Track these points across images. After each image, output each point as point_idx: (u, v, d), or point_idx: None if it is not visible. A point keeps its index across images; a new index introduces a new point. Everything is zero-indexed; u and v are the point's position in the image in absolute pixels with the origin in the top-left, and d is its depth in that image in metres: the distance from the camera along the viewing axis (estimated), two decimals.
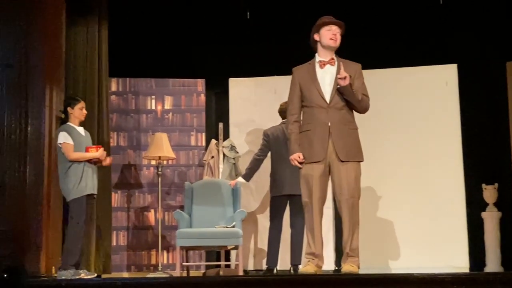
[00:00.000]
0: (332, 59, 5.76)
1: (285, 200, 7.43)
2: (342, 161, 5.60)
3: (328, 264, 8.04)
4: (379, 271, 7.36)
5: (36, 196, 6.74)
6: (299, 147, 5.71)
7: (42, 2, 6.98)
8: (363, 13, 8.57)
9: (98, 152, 6.67)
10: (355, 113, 5.85)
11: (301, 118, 5.82)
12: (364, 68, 8.31)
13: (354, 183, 5.58)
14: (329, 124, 5.61)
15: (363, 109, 5.84)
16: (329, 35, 5.76)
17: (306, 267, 5.63)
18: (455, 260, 7.83)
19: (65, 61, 7.52)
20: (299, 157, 5.68)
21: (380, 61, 8.47)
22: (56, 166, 6.78)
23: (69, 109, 6.74)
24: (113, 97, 8.83)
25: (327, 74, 5.74)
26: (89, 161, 6.64)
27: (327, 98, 5.66)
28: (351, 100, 5.67)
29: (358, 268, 5.60)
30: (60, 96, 7.18)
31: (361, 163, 5.75)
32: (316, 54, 5.86)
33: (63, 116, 6.76)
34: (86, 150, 6.64)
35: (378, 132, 8.23)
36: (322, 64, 5.77)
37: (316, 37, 5.84)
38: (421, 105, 8.27)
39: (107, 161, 6.90)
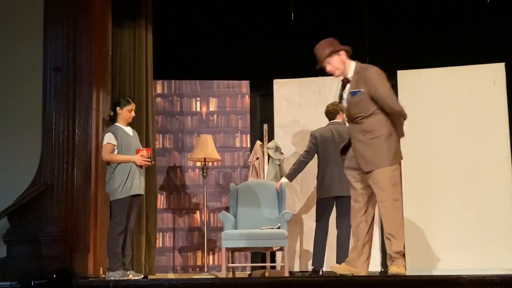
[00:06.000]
0: (345, 79, 5.87)
1: (332, 201, 7.40)
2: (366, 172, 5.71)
3: (375, 266, 8.00)
4: (427, 272, 7.28)
5: (83, 197, 6.82)
6: None
7: (88, 6, 7.06)
8: (409, 13, 8.52)
9: (131, 156, 6.65)
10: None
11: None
12: (410, 67, 8.31)
13: (385, 191, 5.60)
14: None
15: (394, 114, 5.73)
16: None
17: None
18: (505, 261, 7.69)
19: (112, 63, 7.60)
20: None
21: (427, 61, 8.40)
22: (103, 168, 6.85)
23: (118, 108, 6.77)
24: (158, 99, 8.90)
25: (345, 93, 5.87)
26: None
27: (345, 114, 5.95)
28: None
29: (405, 269, 5.54)
30: (107, 98, 7.26)
31: (401, 164, 5.80)
32: None
33: (111, 113, 6.81)
34: (136, 152, 6.69)
35: (425, 132, 8.16)
36: (342, 86, 5.94)
37: None
38: (468, 105, 8.16)
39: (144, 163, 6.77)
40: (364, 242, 5.77)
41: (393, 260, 5.58)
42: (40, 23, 7.01)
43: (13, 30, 7.13)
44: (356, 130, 5.72)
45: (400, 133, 5.78)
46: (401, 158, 5.81)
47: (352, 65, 5.83)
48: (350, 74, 5.80)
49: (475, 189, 7.97)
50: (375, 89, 5.66)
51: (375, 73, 5.72)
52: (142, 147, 6.99)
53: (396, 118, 5.71)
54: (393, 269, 5.52)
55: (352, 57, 5.94)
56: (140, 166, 6.69)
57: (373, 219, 5.86)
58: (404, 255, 5.61)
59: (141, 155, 6.66)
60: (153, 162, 6.93)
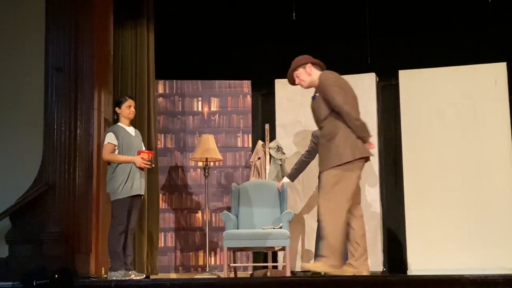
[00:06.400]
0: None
1: None
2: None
3: (377, 265, 8.00)
4: (429, 272, 7.28)
5: (85, 197, 6.83)
6: None
7: (90, 6, 7.07)
8: (411, 12, 8.52)
9: (131, 157, 6.65)
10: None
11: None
12: (411, 67, 8.31)
13: (323, 190, 5.84)
14: None
15: (342, 114, 5.92)
16: None
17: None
18: (507, 261, 7.68)
19: (113, 63, 7.60)
20: None
21: (428, 60, 8.39)
22: (104, 168, 6.85)
23: (117, 109, 6.82)
24: (160, 99, 8.90)
25: None
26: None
27: None
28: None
29: (323, 267, 5.76)
30: (109, 99, 7.26)
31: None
32: None
33: (115, 116, 6.84)
34: (138, 154, 6.69)
35: (426, 132, 8.16)
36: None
37: None
38: (469, 104, 8.15)
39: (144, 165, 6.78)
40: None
41: (321, 256, 5.80)
42: (41, 23, 7.01)
43: (15, 30, 7.14)
44: (320, 134, 6.04)
45: (360, 135, 5.93)
46: (359, 157, 5.90)
47: (318, 74, 6.08)
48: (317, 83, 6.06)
49: (477, 189, 7.97)
50: (325, 91, 5.90)
51: (324, 77, 5.98)
52: (145, 148, 6.99)
53: (347, 120, 5.87)
54: (309, 265, 5.92)
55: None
56: (140, 168, 6.70)
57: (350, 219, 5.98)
58: (328, 256, 5.76)
59: (142, 157, 6.65)
60: (153, 165, 6.92)
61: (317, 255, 5.90)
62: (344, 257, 6.94)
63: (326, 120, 5.94)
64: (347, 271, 5.85)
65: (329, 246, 5.78)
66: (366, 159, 6.07)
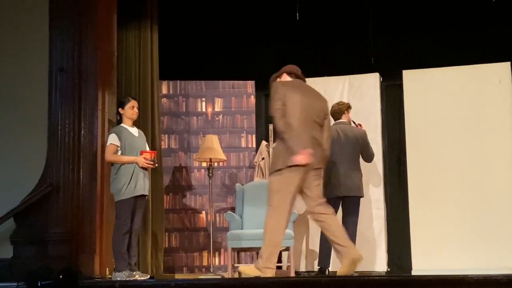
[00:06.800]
0: None
1: (338, 201, 7.38)
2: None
3: (381, 265, 7.99)
4: (432, 272, 7.27)
5: (89, 198, 6.84)
6: None
7: (94, 7, 7.08)
8: (414, 12, 8.51)
9: (134, 158, 6.63)
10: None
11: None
12: (415, 67, 8.30)
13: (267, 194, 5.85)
14: None
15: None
16: None
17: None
18: (511, 261, 7.67)
19: (117, 64, 7.61)
20: None
21: (432, 60, 8.38)
22: (108, 169, 6.85)
23: (120, 110, 6.77)
24: (164, 99, 8.91)
25: None
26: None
27: None
28: None
29: (261, 271, 5.71)
30: (112, 99, 7.27)
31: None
32: None
33: (118, 117, 6.81)
34: (141, 154, 6.68)
35: (430, 132, 8.15)
36: None
37: None
38: (473, 104, 8.14)
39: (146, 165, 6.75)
40: None
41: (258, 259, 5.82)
42: (45, 24, 7.02)
43: (18, 31, 7.15)
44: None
45: (287, 145, 5.78)
46: (289, 165, 5.75)
47: None
48: None
49: (480, 189, 7.96)
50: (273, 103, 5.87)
51: (271, 88, 5.94)
52: (148, 148, 6.99)
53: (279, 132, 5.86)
54: (244, 268, 5.88)
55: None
56: (143, 168, 6.70)
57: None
58: (268, 258, 5.75)
59: (144, 157, 6.65)
60: (156, 165, 6.91)
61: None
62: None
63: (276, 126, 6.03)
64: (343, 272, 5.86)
65: (265, 250, 5.86)
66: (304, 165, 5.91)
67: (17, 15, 7.19)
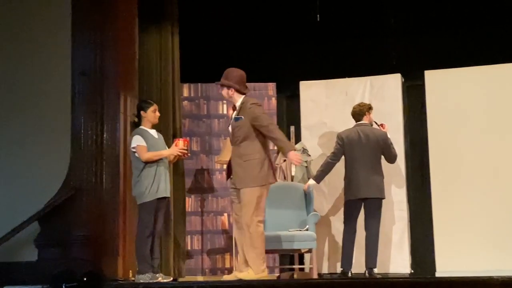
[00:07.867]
0: (233, 106, 6.50)
1: (360, 203, 7.37)
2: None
3: (404, 267, 7.95)
4: (458, 274, 7.23)
5: (112, 201, 6.86)
6: None
7: (115, 10, 7.11)
8: (436, 12, 8.48)
9: (168, 150, 6.68)
10: None
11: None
12: (437, 67, 8.26)
13: (244, 208, 6.24)
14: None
15: (268, 132, 6.28)
16: None
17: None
18: None
19: (138, 67, 7.63)
20: None
21: (453, 60, 8.34)
22: (131, 171, 6.87)
23: (142, 112, 6.75)
24: (185, 102, 8.93)
25: (232, 118, 6.47)
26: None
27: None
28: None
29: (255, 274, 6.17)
30: (134, 102, 7.28)
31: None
32: None
33: (136, 120, 6.80)
34: (174, 142, 6.74)
35: (453, 133, 8.11)
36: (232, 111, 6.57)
37: None
38: (497, 105, 8.08)
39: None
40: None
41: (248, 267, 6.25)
42: (67, 28, 7.06)
43: (42, 36, 7.19)
44: (235, 152, 6.32)
45: (281, 150, 6.49)
46: (269, 182, 6.32)
47: (240, 98, 6.41)
48: (237, 103, 6.40)
49: (505, 190, 7.90)
50: (256, 118, 6.23)
51: (254, 106, 6.33)
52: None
53: (270, 138, 6.26)
54: (242, 274, 6.23)
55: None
56: (180, 157, 6.76)
57: None
58: (259, 264, 6.25)
59: (176, 145, 6.68)
60: (189, 154, 6.93)
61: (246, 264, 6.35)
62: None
63: (247, 141, 6.27)
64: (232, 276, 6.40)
65: (256, 259, 6.32)
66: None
67: (39, 21, 7.23)
